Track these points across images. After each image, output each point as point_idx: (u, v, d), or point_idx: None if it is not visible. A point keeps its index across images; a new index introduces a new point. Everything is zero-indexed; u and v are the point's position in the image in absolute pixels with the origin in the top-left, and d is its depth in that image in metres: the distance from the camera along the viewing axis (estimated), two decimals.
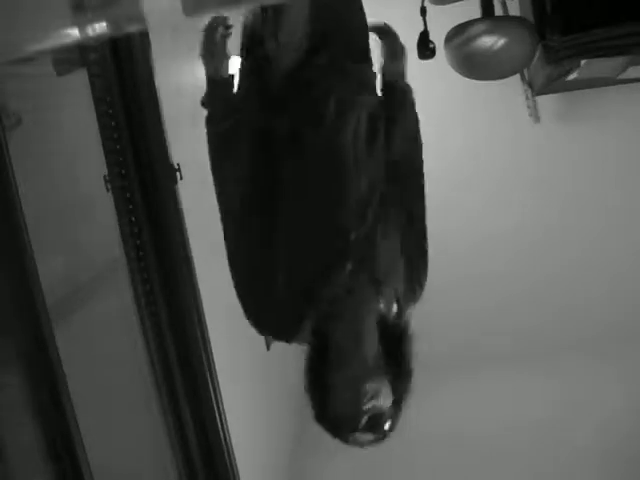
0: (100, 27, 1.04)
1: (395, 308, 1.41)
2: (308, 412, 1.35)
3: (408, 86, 1.60)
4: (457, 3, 2.52)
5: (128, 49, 2.00)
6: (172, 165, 2.13)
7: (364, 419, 1.28)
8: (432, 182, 1.57)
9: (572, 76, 2.42)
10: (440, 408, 3.48)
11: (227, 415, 2.32)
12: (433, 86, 3.46)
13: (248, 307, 1.47)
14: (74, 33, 1.05)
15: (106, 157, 2.01)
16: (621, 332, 3.85)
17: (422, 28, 2.90)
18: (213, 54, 1.49)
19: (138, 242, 2.08)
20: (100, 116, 1.99)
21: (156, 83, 2.07)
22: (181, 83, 2.44)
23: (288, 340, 1.48)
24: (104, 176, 2.01)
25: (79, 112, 1.98)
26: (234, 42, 1.55)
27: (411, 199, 1.51)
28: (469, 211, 4.15)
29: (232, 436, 2.34)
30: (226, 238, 1.50)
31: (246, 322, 1.49)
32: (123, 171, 2.04)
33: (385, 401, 1.29)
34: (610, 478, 3.14)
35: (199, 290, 2.20)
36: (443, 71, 3.01)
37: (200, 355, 2.21)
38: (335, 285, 1.37)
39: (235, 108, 1.51)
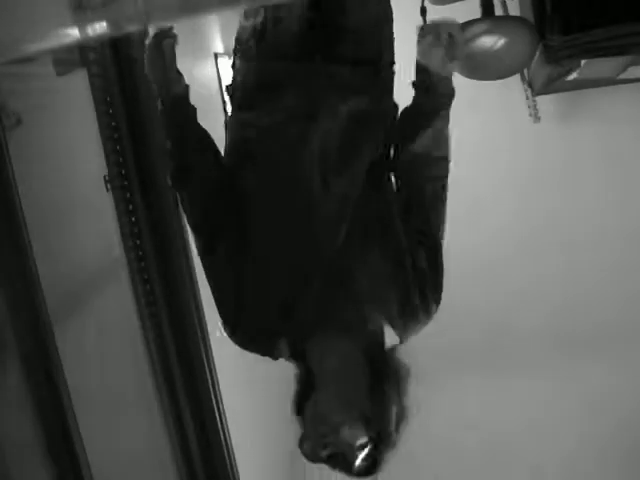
0: (100, 27, 1.03)
1: (395, 334, 1.29)
2: None
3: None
4: (457, 3, 2.51)
5: (128, 49, 2.01)
6: None
7: (323, 454, 1.21)
8: None
9: (572, 76, 2.41)
10: (440, 408, 3.47)
11: (227, 415, 2.31)
12: None
13: (225, 321, 1.38)
14: (74, 33, 1.04)
15: (106, 157, 2.01)
16: (621, 332, 3.85)
17: None
18: (164, 69, 1.36)
19: (138, 242, 2.08)
20: (100, 116, 1.99)
21: None
22: None
23: (269, 356, 1.39)
24: (104, 176, 2.01)
25: (79, 112, 1.98)
26: (230, 43, 1.51)
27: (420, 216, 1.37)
28: (468, 211, 4.15)
29: (232, 436, 2.34)
30: (198, 253, 1.40)
31: None
32: (123, 171, 2.04)
33: (352, 439, 1.18)
34: (610, 478, 3.15)
35: (199, 290, 2.19)
36: None
37: (200, 355, 2.21)
38: (306, 303, 1.27)
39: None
